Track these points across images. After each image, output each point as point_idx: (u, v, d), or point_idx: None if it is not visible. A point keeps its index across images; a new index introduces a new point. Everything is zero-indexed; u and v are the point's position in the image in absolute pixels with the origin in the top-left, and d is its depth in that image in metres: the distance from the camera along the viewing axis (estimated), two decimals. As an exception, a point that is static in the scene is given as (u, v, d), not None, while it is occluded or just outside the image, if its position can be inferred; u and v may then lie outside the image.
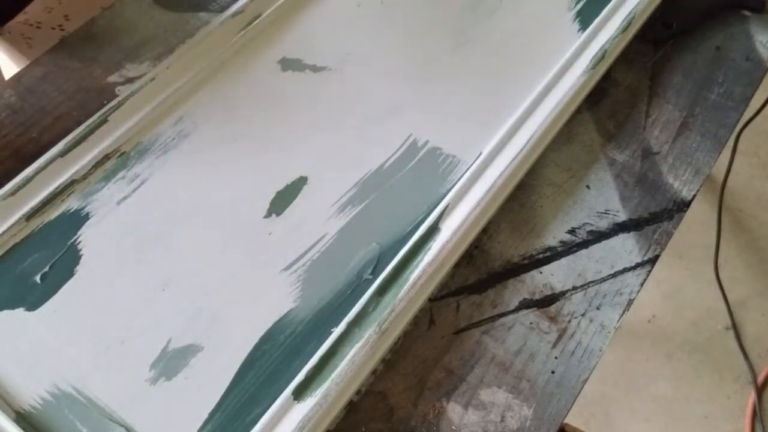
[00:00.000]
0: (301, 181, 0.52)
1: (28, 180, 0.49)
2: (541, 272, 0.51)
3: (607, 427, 1.18)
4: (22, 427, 0.40)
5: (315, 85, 0.57)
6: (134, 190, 0.51)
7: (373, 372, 0.46)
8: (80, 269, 0.48)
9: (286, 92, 0.57)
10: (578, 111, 0.58)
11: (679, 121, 0.58)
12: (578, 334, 0.48)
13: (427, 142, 0.54)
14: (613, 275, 0.51)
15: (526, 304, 0.49)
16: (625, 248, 0.52)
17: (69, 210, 0.50)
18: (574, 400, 0.45)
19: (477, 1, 0.63)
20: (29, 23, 0.61)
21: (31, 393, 0.43)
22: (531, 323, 0.48)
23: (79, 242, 0.49)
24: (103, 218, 0.50)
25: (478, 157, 0.52)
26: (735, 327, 1.24)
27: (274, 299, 0.47)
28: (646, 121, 0.58)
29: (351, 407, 0.45)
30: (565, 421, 0.46)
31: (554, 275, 0.50)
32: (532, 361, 0.47)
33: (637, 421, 1.18)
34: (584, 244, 0.52)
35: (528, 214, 0.53)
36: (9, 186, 0.49)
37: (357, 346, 0.43)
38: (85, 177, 0.51)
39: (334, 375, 0.42)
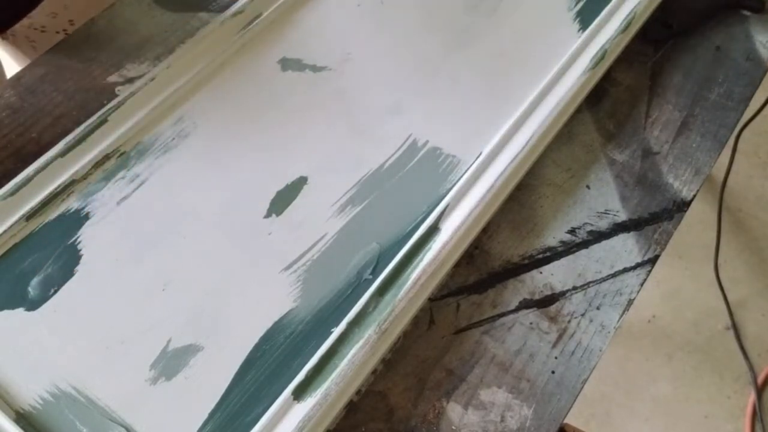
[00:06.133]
0: (301, 181, 0.52)
1: (28, 180, 0.49)
2: (541, 272, 0.51)
3: (607, 427, 1.18)
4: (22, 427, 0.40)
5: (315, 85, 0.57)
6: (134, 190, 0.51)
7: (373, 372, 0.46)
8: (80, 269, 0.48)
9: (286, 92, 0.57)
10: (578, 111, 0.58)
11: (679, 121, 0.58)
12: (578, 334, 0.48)
13: (427, 142, 0.54)
14: (613, 275, 0.51)
15: (526, 304, 0.49)
16: (625, 248, 0.52)
17: (69, 210, 0.50)
18: (574, 400, 0.45)
19: (477, 1, 0.63)
20: (33, 27, 0.62)
21: (31, 393, 0.43)
22: (531, 323, 0.48)
23: (79, 242, 0.49)
24: (103, 218, 0.50)
25: (478, 157, 0.52)
26: (735, 327, 1.24)
27: (274, 299, 0.47)
28: (646, 121, 0.58)
29: (351, 407, 0.45)
30: (565, 421, 0.46)
31: (554, 275, 0.50)
32: (532, 361, 0.47)
33: (637, 421, 1.18)
34: (584, 244, 0.52)
35: (528, 214, 0.53)
36: (9, 186, 0.49)
37: (357, 346, 0.43)
38: (84, 177, 0.51)
39: (334, 375, 0.42)
